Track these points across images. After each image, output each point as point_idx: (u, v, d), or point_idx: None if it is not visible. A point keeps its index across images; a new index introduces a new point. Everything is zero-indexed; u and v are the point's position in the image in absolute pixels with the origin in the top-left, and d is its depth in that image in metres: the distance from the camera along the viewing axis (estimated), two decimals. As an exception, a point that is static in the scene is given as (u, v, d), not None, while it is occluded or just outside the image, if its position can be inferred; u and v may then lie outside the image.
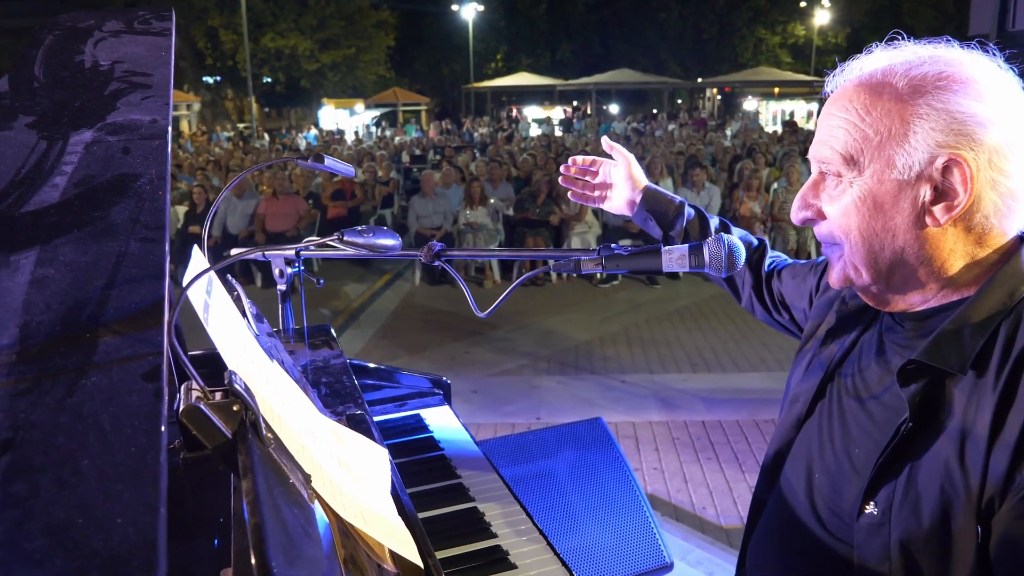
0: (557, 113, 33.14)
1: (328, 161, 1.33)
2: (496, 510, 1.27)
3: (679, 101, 50.45)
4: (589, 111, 37.98)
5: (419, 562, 0.82)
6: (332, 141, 22.67)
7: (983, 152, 0.91)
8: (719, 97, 45.86)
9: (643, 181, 1.63)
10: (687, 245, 1.09)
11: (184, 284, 0.72)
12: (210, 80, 36.60)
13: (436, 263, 1.24)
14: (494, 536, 1.22)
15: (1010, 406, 0.86)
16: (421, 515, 1.17)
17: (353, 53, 34.78)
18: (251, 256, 1.41)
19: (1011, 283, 0.93)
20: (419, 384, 1.75)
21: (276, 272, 1.45)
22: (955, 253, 0.96)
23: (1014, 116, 0.93)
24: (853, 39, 46.05)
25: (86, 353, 0.57)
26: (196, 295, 0.81)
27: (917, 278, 0.98)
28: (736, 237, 1.11)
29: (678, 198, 1.59)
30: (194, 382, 0.66)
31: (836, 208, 0.99)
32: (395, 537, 0.80)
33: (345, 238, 1.07)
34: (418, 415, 1.66)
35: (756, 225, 8.60)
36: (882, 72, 0.96)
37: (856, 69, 1.00)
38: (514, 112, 35.67)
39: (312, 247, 1.31)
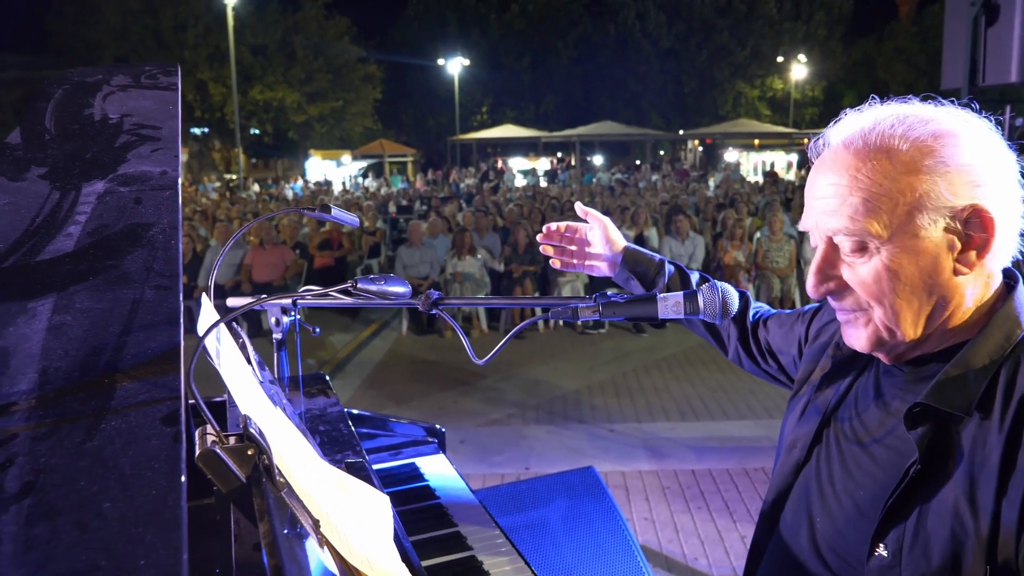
0: (543, 164, 33.59)
1: (335, 211, 1.36)
2: (495, 559, 1.26)
3: (662, 152, 51.33)
4: (573, 162, 38.56)
5: (425, 608, 0.82)
6: (319, 192, 22.81)
7: (992, 198, 0.95)
8: (701, 149, 46.73)
9: (621, 242, 1.64)
10: (682, 292, 1.11)
11: (200, 333, 0.73)
12: (198, 131, 36.90)
13: (433, 311, 1.25)
14: (492, 585, 1.21)
15: (1018, 447, 0.88)
16: (423, 563, 1.16)
17: (340, 105, 35.27)
18: (251, 306, 1.42)
19: (1007, 326, 0.97)
20: (414, 432, 1.75)
21: (272, 321, 1.45)
22: (969, 297, 0.99)
23: (999, 161, 0.97)
24: (829, 92, 47.30)
25: (104, 398, 0.57)
26: (209, 343, 0.82)
27: (941, 327, 1.00)
28: (733, 290, 1.13)
29: (657, 256, 1.61)
30: (209, 426, 0.66)
31: (864, 277, 0.99)
32: (400, 584, 0.80)
33: (359, 286, 1.08)
34: (413, 464, 1.65)
35: (740, 273, 8.69)
36: (877, 136, 0.98)
37: (841, 134, 1.03)
38: (499, 163, 36.11)
39: (309, 296, 1.33)
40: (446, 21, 42.27)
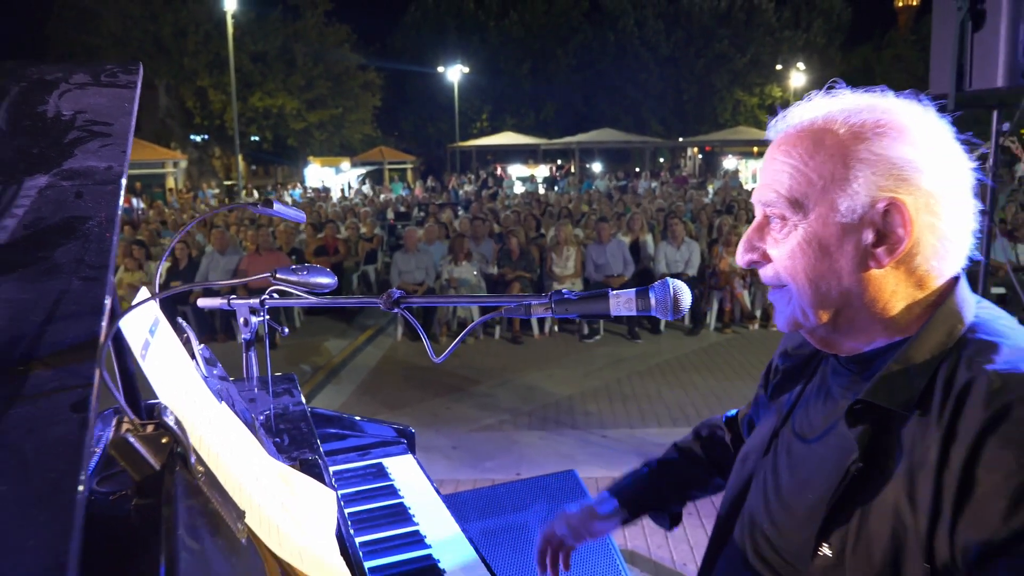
0: (542, 171, 33.64)
1: (277, 207, 1.36)
2: (451, 557, 1.25)
3: (661, 160, 51.43)
4: (573, 169, 38.64)
5: (357, 602, 0.82)
6: (318, 198, 22.84)
7: (921, 196, 0.94)
8: (700, 156, 46.82)
9: (608, 516, 1.55)
10: (634, 290, 1.11)
11: (122, 321, 0.74)
12: (197, 138, 36.99)
13: (395, 310, 1.26)
14: (448, 583, 1.21)
15: (953, 443, 0.87)
16: (377, 562, 1.16)
17: (340, 113, 35.35)
18: (215, 306, 1.42)
19: (949, 323, 0.96)
20: (384, 433, 1.75)
21: (241, 321, 1.46)
22: (897, 295, 0.98)
23: (946, 162, 0.96)
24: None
25: (16, 386, 0.57)
26: (136, 333, 0.82)
27: (862, 320, 1.00)
28: (685, 287, 1.12)
29: (634, 470, 1.54)
30: (125, 415, 0.67)
31: (782, 251, 1.01)
32: (334, 577, 0.80)
33: (278, 275, 1.09)
34: (380, 464, 1.65)
35: (736, 280, 8.69)
36: (823, 119, 0.99)
37: (797, 116, 1.03)
38: (499, 170, 36.18)
39: (275, 295, 1.33)
40: (445, 28, 42.41)
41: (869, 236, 0.95)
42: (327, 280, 1.20)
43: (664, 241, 9.08)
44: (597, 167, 40.29)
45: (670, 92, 45.65)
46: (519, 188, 27.95)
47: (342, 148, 37.06)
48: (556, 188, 26.95)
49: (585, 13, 45.03)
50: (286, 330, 1.54)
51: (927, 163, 0.94)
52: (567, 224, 9.35)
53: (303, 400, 1.50)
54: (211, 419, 0.83)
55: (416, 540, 1.35)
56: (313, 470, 1.14)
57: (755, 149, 41.23)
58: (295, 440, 1.32)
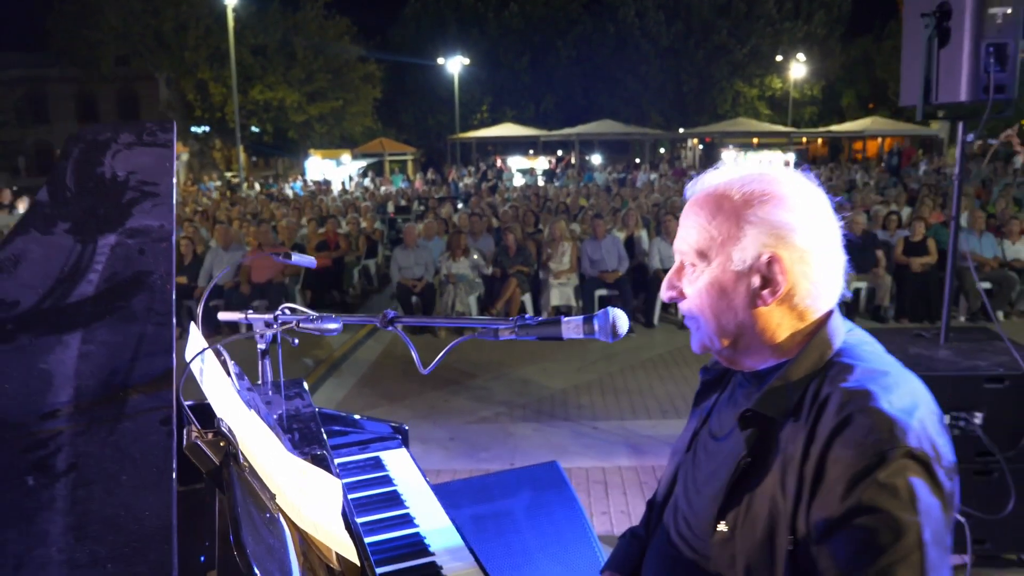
0: (542, 163, 33.79)
1: (295, 257, 1.58)
2: (437, 537, 1.48)
3: (662, 150, 51.55)
4: (573, 160, 38.86)
5: (357, 561, 1.05)
6: (318, 191, 23.04)
7: (795, 251, 1.18)
8: (700, 148, 46.95)
9: None
10: (582, 317, 1.34)
11: (188, 359, 0.95)
12: (198, 130, 37.17)
13: (390, 327, 1.47)
14: (431, 555, 1.44)
15: (812, 443, 1.11)
16: (374, 538, 1.38)
17: (340, 105, 35.51)
18: (236, 320, 1.64)
19: (820, 349, 1.20)
20: (381, 430, 1.97)
21: (257, 333, 1.67)
22: (782, 326, 1.22)
23: (816, 224, 1.20)
24: (828, 91, 47.46)
25: (120, 407, 0.79)
26: (195, 365, 1.04)
27: (755, 345, 1.24)
28: (622, 314, 1.35)
29: (621, 540, 1.63)
30: (193, 426, 0.88)
31: (693, 290, 1.25)
32: (340, 544, 1.02)
33: (300, 325, 1.31)
34: (377, 457, 1.88)
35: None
36: (724, 186, 1.23)
37: (707, 181, 1.27)
38: (499, 162, 36.32)
39: (287, 311, 1.55)
40: (445, 20, 42.49)
41: (756, 281, 1.19)
42: (335, 325, 1.43)
43: (658, 237, 9.28)
44: (597, 159, 40.40)
45: (670, 83, 45.71)
46: (519, 180, 28.13)
47: (343, 140, 37.24)
48: (556, 182, 27.11)
49: (584, 4, 45.05)
50: (296, 341, 1.76)
51: (801, 225, 1.18)
52: (561, 221, 9.56)
53: (312, 402, 1.72)
54: (247, 424, 1.05)
55: (407, 521, 1.58)
56: (322, 463, 1.36)
57: (755, 140, 41.34)
58: (306, 438, 1.54)
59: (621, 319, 1.30)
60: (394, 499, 1.68)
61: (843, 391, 1.11)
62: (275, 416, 1.49)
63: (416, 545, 1.47)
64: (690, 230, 1.25)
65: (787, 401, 1.17)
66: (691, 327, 1.29)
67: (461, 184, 26.21)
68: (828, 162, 37.26)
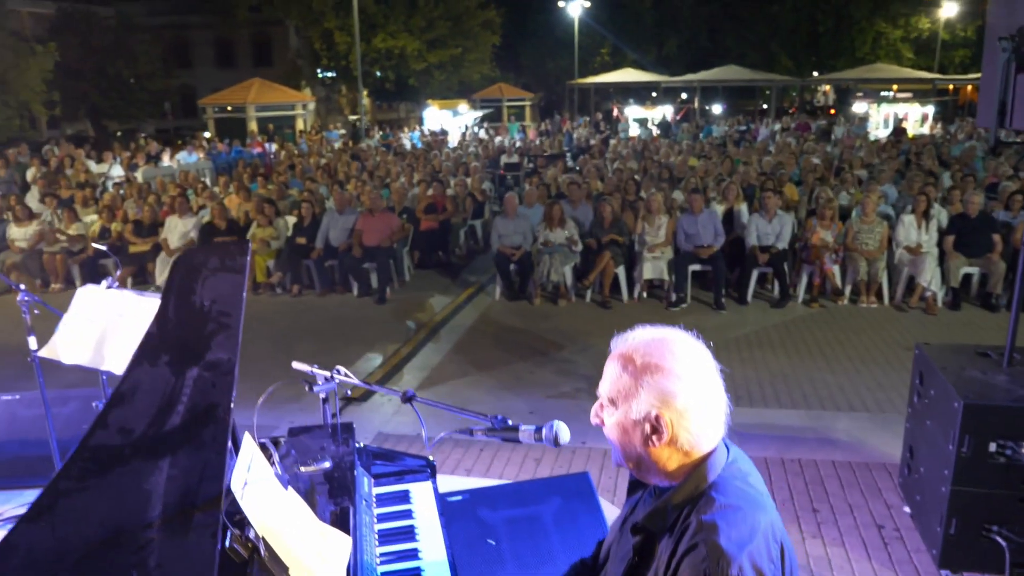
0: (657, 113, 33.01)
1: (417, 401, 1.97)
2: (432, 569, 1.88)
3: (794, 94, 49.02)
4: (695, 105, 37.72)
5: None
6: (435, 143, 23.72)
7: (676, 412, 1.49)
8: (835, 95, 44.32)
9: None
10: (533, 427, 1.69)
11: (235, 490, 1.36)
12: (326, 75, 38.73)
13: (406, 403, 1.85)
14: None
15: (674, 556, 1.43)
16: (382, 568, 1.80)
17: (459, 53, 35.94)
18: (307, 371, 2.06)
19: (696, 481, 1.50)
20: (415, 464, 2.38)
21: (319, 382, 2.09)
22: (671, 460, 1.53)
23: (695, 389, 1.50)
24: (984, 33, 43.23)
25: (188, 521, 1.20)
26: (240, 477, 1.45)
27: (652, 471, 1.56)
28: (564, 427, 1.68)
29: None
30: (231, 529, 1.30)
31: (608, 424, 1.59)
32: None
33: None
34: (407, 491, 2.29)
35: (826, 255, 8.77)
36: (633, 349, 1.54)
37: (626, 339, 1.57)
38: (615, 112, 35.78)
39: (342, 372, 1.96)
40: (567, -39, 41.58)
41: (648, 429, 1.50)
42: (355, 381, 1.82)
43: (756, 213, 9.21)
44: (718, 108, 38.99)
45: (804, 24, 43.14)
46: (636, 130, 27.75)
47: (461, 87, 37.75)
48: (671, 134, 26.56)
49: (715, -60, 42.86)
50: (348, 391, 2.17)
51: (682, 392, 1.47)
52: (659, 194, 9.63)
53: (355, 449, 2.14)
54: (280, 507, 1.45)
55: (412, 555, 1.99)
56: (345, 516, 1.78)
57: (894, 88, 38.54)
58: (341, 487, 1.95)
59: (563, 432, 1.64)
60: (409, 533, 2.08)
61: (699, 521, 1.43)
62: (324, 464, 1.91)
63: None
64: (607, 380, 1.58)
65: (665, 521, 1.50)
66: (612, 448, 1.62)
67: (575, 134, 26.18)
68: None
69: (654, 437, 1.51)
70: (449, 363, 7.34)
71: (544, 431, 1.65)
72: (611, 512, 4.28)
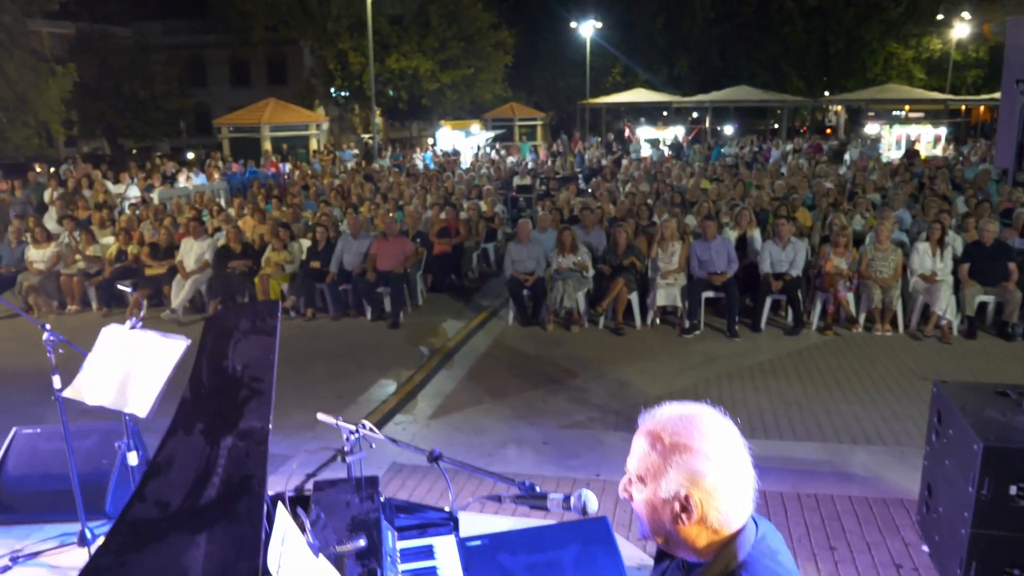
0: (669, 134, 33.12)
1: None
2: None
3: (804, 113, 49.03)
4: (707, 125, 37.79)
5: None
6: (447, 165, 23.86)
7: (704, 492, 1.49)
8: (846, 115, 44.27)
9: None
10: (563, 495, 1.70)
11: (267, 559, 1.38)
12: (339, 95, 39.10)
13: (433, 464, 1.88)
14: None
15: None
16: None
17: (472, 73, 36.23)
18: (329, 422, 2.09)
19: (726, 560, 1.50)
20: (437, 517, 2.39)
21: (344, 437, 2.11)
22: (700, 537, 1.53)
23: (724, 468, 1.49)
24: (995, 53, 43.15)
25: None
26: (276, 552, 1.47)
27: (681, 546, 1.56)
28: (592, 496, 1.69)
29: None
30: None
31: (636, 500, 1.58)
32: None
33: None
34: (431, 545, 2.30)
35: (840, 282, 8.74)
36: (662, 427, 1.54)
37: (655, 416, 1.57)
38: (627, 132, 35.91)
39: (366, 428, 1.98)
40: (579, -18, 41.92)
41: (677, 507, 1.51)
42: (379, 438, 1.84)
43: (770, 240, 9.21)
44: (729, 129, 39.04)
45: (815, 45, 43.21)
46: (647, 151, 27.83)
47: (473, 106, 38.00)
48: (683, 155, 26.62)
49: (725, -38, 43.11)
50: (372, 446, 2.19)
51: (710, 471, 1.47)
52: (672, 221, 9.65)
53: (379, 505, 2.15)
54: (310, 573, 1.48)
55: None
56: (372, 578, 1.81)
57: (906, 108, 38.48)
58: (368, 548, 1.96)
59: (591, 502, 1.65)
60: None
61: None
62: (359, 543, 1.90)
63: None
64: (635, 457, 1.58)
65: None
66: (637, 520, 1.63)
67: (586, 155, 26.29)
68: (993, 133, 34.18)
69: (683, 516, 1.52)
70: (463, 390, 7.35)
71: (572, 500, 1.66)
72: (628, 551, 4.27)
